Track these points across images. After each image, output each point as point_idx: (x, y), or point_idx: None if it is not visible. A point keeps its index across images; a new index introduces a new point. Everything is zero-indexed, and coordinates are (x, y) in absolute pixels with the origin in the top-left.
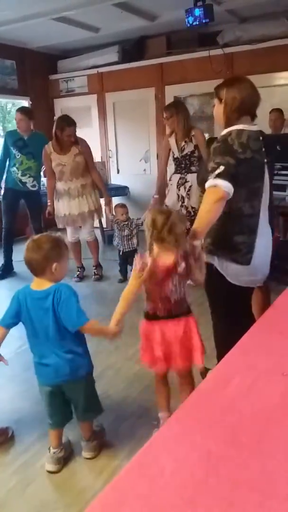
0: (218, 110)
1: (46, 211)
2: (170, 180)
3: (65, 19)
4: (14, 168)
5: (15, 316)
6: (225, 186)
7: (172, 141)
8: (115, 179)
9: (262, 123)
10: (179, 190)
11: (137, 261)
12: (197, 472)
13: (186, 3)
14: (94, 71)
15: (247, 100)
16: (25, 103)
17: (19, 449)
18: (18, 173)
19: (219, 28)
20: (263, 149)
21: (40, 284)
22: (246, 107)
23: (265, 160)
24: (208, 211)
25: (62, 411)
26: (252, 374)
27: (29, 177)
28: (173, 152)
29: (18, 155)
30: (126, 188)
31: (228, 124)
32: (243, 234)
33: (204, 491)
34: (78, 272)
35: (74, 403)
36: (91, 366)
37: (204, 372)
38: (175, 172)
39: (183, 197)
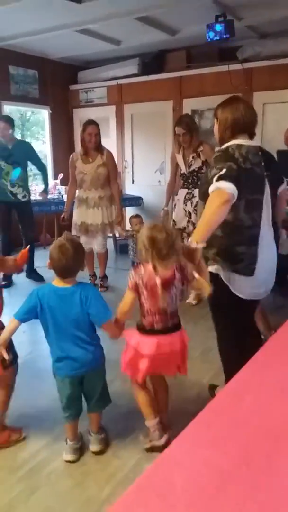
0: (215, 128)
1: (61, 216)
2: (177, 195)
3: (87, 31)
4: (2, 180)
5: (30, 312)
6: (229, 187)
7: (179, 156)
8: (130, 190)
9: (280, 139)
10: (185, 205)
11: (131, 274)
12: (208, 489)
13: (207, 18)
14: (114, 82)
15: (240, 119)
16: (45, 112)
17: (25, 456)
18: (7, 185)
19: (239, 44)
20: (263, 163)
21: (64, 283)
22: (240, 126)
23: (265, 174)
24: (212, 214)
25: (78, 403)
26: (264, 391)
27: (18, 187)
28: (180, 168)
29: (4, 166)
30: (140, 198)
31: (221, 141)
32: (244, 245)
33: (215, 509)
34: (90, 281)
35: (90, 394)
36: (104, 356)
37: (212, 388)
38: (182, 187)
39: (190, 213)
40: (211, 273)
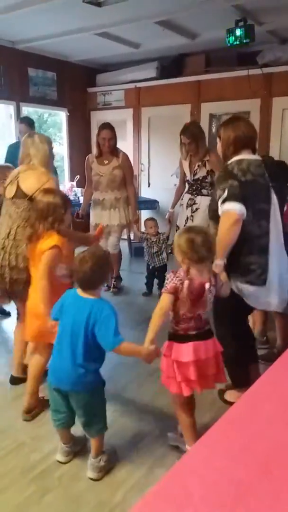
0: (218, 146)
1: (76, 212)
2: (182, 199)
3: (107, 34)
4: None
5: (58, 310)
6: (236, 208)
7: (185, 163)
8: (146, 193)
9: None
10: (187, 210)
11: (169, 280)
12: (226, 500)
13: (227, 22)
14: (132, 85)
15: (241, 136)
16: (62, 114)
17: (37, 458)
18: None
19: (259, 48)
20: (266, 175)
21: (84, 295)
22: (242, 143)
23: (271, 184)
24: (226, 235)
25: (64, 414)
26: (282, 401)
27: None
28: (185, 175)
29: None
30: (156, 202)
31: (225, 158)
32: (253, 254)
33: None
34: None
35: (77, 414)
36: (100, 382)
37: (222, 392)
38: (187, 192)
39: (187, 218)
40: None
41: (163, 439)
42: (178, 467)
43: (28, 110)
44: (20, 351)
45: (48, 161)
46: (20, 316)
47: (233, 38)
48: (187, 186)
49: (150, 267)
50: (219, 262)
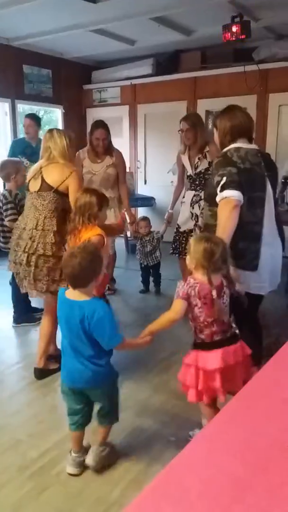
0: (215, 136)
1: None
2: (183, 197)
3: (102, 31)
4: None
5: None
6: (234, 194)
7: (185, 158)
8: (142, 190)
9: None
10: (192, 208)
11: (179, 287)
12: (223, 497)
13: (223, 19)
14: (128, 82)
15: (237, 126)
16: (58, 111)
17: (34, 455)
18: None
19: (255, 44)
20: (263, 164)
21: (75, 294)
22: (238, 132)
23: (266, 173)
24: (226, 221)
25: (81, 414)
26: (279, 397)
27: None
28: (186, 170)
29: (26, 163)
30: (152, 199)
31: (222, 146)
32: (246, 241)
33: None
34: None
35: (97, 404)
36: (114, 374)
37: None
38: (190, 189)
39: (197, 216)
40: None
41: (161, 435)
42: (175, 463)
43: (23, 107)
44: (44, 343)
45: (66, 153)
46: (46, 308)
47: (229, 34)
48: (188, 183)
49: (143, 265)
50: None
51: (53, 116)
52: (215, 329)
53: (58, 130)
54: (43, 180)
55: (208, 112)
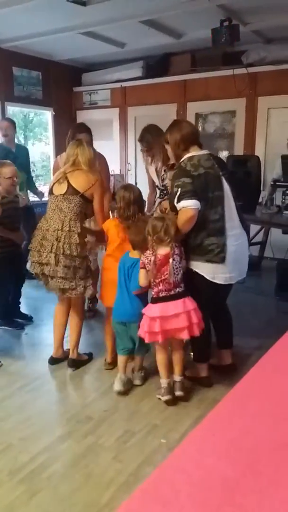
0: (169, 150)
1: None
2: (154, 204)
3: (92, 33)
4: None
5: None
6: (191, 204)
7: (152, 169)
8: None
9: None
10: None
11: (141, 260)
12: (213, 498)
13: (213, 22)
14: (118, 85)
15: (187, 134)
16: (48, 113)
17: (25, 459)
18: (16, 189)
19: (244, 48)
20: (216, 166)
21: (134, 254)
22: (189, 140)
23: (221, 173)
24: (184, 224)
25: (125, 342)
26: (269, 398)
27: (26, 191)
28: (154, 181)
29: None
30: (143, 201)
31: (177, 158)
32: (212, 236)
33: None
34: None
35: (133, 339)
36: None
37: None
38: (159, 197)
39: None
40: (191, 270)
41: (152, 437)
42: (165, 465)
43: (13, 109)
44: (75, 336)
45: (91, 163)
46: (73, 305)
47: (218, 37)
48: (158, 192)
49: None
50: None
51: (43, 118)
52: (161, 288)
53: (87, 143)
54: (69, 184)
55: (198, 115)
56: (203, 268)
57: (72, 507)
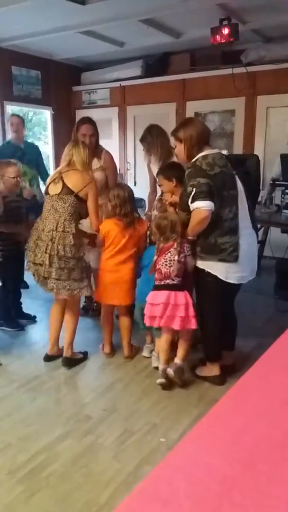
0: (179, 149)
1: None
2: (156, 202)
3: (91, 32)
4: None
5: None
6: (205, 205)
7: (154, 167)
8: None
9: (283, 143)
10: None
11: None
12: (212, 497)
13: (212, 21)
14: (117, 84)
15: (202, 133)
16: (47, 113)
17: (24, 458)
18: (25, 185)
19: (243, 47)
20: (229, 164)
21: None
22: (204, 139)
23: (234, 172)
24: (196, 225)
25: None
26: (269, 396)
27: (37, 187)
28: (156, 179)
29: (20, 166)
30: (142, 200)
31: (190, 158)
32: (226, 235)
33: None
34: (85, 303)
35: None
36: None
37: (193, 368)
38: (161, 196)
39: None
40: (198, 267)
41: (151, 436)
42: (164, 464)
43: (12, 108)
44: (70, 335)
45: (86, 163)
46: (68, 305)
47: (217, 36)
48: (159, 190)
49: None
50: (190, 238)
51: (42, 117)
52: (156, 276)
53: (84, 144)
54: (64, 184)
55: (197, 114)
56: (216, 268)
57: (71, 506)
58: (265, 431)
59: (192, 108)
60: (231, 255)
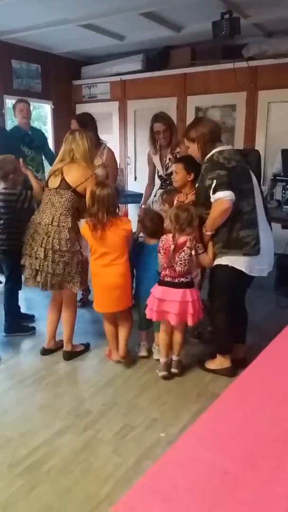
0: (193, 149)
1: None
2: (155, 195)
3: (91, 26)
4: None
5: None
6: (226, 195)
7: (156, 158)
8: (132, 186)
9: (285, 138)
10: (164, 206)
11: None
12: (211, 492)
13: (213, 15)
14: (117, 78)
15: (213, 130)
16: (47, 107)
17: (24, 452)
18: (33, 171)
19: (244, 41)
20: (243, 159)
21: (150, 241)
22: (217, 135)
23: (248, 167)
24: (218, 217)
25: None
26: (268, 393)
27: (42, 173)
28: (157, 170)
29: (28, 152)
30: (141, 195)
31: (204, 155)
32: (247, 228)
33: None
34: (82, 295)
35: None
36: None
37: (202, 364)
38: (161, 188)
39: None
40: (220, 264)
41: (151, 431)
42: (164, 459)
43: (12, 102)
44: (69, 330)
45: (88, 155)
46: (65, 301)
47: (218, 30)
48: (159, 181)
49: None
50: (208, 233)
51: (42, 111)
52: (168, 273)
53: (80, 132)
54: (63, 178)
55: (198, 109)
56: (241, 262)
57: (71, 500)
58: (265, 427)
59: (193, 102)
60: (254, 248)
